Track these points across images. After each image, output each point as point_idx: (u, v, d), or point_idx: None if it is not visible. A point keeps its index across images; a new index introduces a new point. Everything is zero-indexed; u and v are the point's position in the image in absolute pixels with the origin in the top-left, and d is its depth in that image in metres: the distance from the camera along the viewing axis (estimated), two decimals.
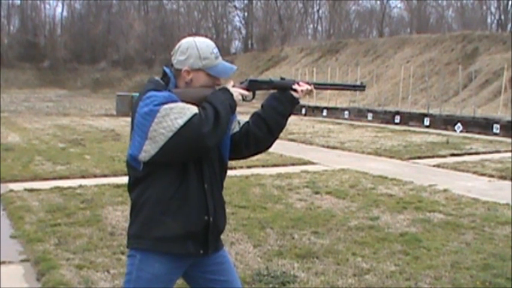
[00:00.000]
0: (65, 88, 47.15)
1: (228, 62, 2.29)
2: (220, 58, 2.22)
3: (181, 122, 2.01)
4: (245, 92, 2.27)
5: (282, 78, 2.35)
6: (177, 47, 2.22)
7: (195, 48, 2.17)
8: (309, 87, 2.33)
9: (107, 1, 56.97)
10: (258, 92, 2.36)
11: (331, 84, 2.61)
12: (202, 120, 2.02)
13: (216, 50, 2.21)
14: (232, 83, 2.27)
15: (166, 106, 2.03)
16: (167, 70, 2.22)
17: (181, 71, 2.18)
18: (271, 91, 2.36)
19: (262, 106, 2.33)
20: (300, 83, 2.33)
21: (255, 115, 2.32)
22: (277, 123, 2.28)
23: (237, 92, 2.22)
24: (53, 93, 42.89)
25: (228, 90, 2.20)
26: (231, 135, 2.27)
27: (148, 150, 2.04)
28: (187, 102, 2.09)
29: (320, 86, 2.47)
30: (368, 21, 58.50)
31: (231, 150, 2.29)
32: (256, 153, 2.39)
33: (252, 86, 2.31)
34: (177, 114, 2.02)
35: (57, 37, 56.00)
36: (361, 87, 2.51)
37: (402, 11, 59.16)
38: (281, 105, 2.29)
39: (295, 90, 2.31)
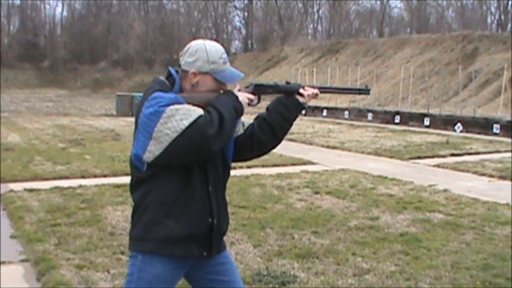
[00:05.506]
0: (65, 88, 47.16)
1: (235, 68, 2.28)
2: (228, 64, 2.21)
3: (186, 123, 1.99)
4: (251, 96, 2.24)
5: (287, 82, 2.31)
6: (186, 48, 2.20)
7: (204, 51, 2.16)
8: (315, 91, 2.29)
9: (107, 1, 56.96)
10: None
11: (336, 88, 2.59)
12: (208, 122, 2.00)
13: (225, 56, 2.20)
14: (238, 87, 2.25)
15: (172, 107, 2.01)
16: (172, 71, 2.20)
17: (188, 72, 2.16)
18: (277, 95, 2.33)
19: (267, 109, 2.30)
20: (306, 87, 2.29)
21: (259, 118, 2.29)
22: (282, 128, 2.26)
23: (243, 96, 2.19)
24: (53, 93, 42.91)
25: (232, 93, 2.17)
26: (235, 137, 2.25)
27: (153, 150, 2.03)
28: (194, 105, 2.08)
29: (325, 90, 2.43)
30: (368, 21, 58.50)
31: (235, 152, 2.27)
32: (260, 156, 2.37)
33: (258, 90, 2.28)
34: (183, 115, 2.00)
35: (57, 37, 56.01)
36: (366, 91, 2.48)
37: (402, 11, 59.27)
38: (287, 110, 2.26)
39: (301, 94, 2.28)
